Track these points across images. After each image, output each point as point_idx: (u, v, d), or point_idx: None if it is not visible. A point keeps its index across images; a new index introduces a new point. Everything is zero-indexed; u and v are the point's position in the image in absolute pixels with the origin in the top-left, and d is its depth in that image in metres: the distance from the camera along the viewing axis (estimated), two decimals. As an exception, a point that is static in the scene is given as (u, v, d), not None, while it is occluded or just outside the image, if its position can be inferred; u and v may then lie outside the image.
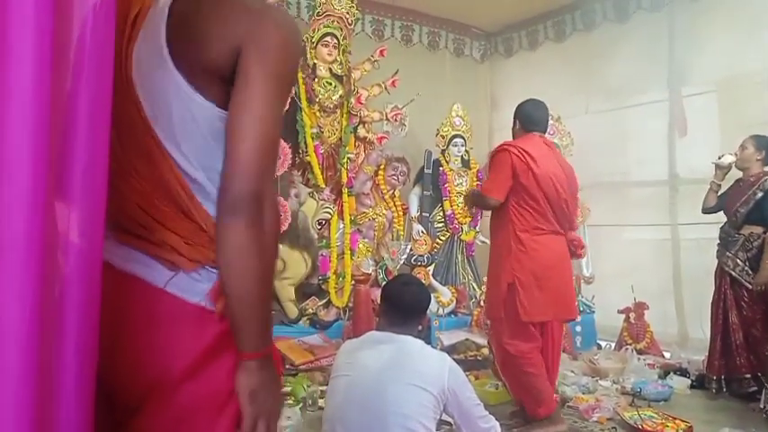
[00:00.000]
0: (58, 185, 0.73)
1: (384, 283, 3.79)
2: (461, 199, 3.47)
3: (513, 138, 3.37)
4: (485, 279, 5.10)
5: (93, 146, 0.78)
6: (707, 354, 4.14)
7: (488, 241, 5.34)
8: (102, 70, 0.80)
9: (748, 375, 3.77)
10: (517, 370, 3.11)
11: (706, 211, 4.11)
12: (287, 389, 3.72)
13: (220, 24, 1.01)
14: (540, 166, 3.13)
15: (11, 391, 0.65)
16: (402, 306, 2.22)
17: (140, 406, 0.99)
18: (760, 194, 3.78)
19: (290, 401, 3.51)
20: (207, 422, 1.00)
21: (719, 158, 4.01)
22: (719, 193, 4.06)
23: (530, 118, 3.31)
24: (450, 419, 2.25)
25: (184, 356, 0.99)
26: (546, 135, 3.44)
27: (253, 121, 0.98)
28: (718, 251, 3.98)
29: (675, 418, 3.29)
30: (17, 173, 0.65)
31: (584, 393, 3.78)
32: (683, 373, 4.22)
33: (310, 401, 3.48)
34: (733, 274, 3.85)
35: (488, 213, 3.62)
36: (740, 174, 3.96)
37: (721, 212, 4.05)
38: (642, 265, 5.25)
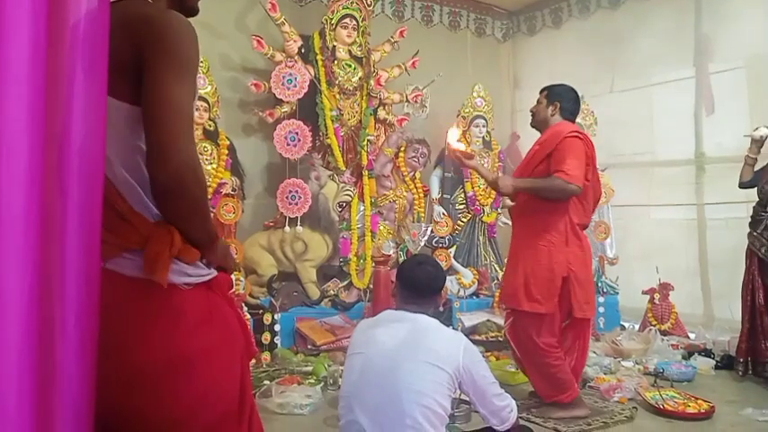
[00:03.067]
0: (55, 166, 0.75)
1: (401, 263, 3.81)
2: (498, 186, 3.08)
3: (544, 119, 3.21)
4: (506, 260, 5.12)
5: (89, 128, 0.80)
6: (733, 335, 4.10)
7: (510, 222, 5.39)
8: (97, 50, 0.81)
9: (773, 359, 3.71)
10: (543, 362, 3.06)
11: (742, 185, 4.01)
12: (308, 368, 3.78)
13: (123, 28, 1.11)
14: (594, 159, 3.09)
15: (13, 362, 0.68)
16: (417, 286, 2.23)
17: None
18: (789, 171, 3.69)
19: (312, 381, 3.56)
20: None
21: (754, 131, 3.92)
22: (757, 169, 3.96)
23: (574, 105, 3.22)
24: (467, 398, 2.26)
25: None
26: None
27: (162, 105, 1.11)
28: (749, 231, 3.90)
29: (698, 399, 3.26)
30: (14, 153, 0.67)
31: (605, 374, 3.76)
32: (707, 353, 4.17)
33: (331, 380, 3.53)
34: (759, 254, 3.78)
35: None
36: None
37: (753, 191, 3.95)
38: (668, 245, 5.18)
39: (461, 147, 3.48)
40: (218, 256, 1.33)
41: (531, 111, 3.32)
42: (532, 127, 3.32)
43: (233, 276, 3.96)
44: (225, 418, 1.26)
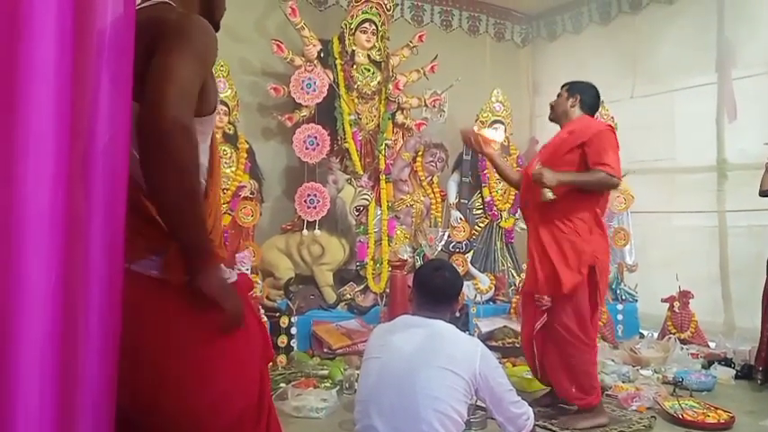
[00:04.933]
0: (80, 165, 0.76)
1: (418, 268, 3.81)
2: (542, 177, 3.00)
3: (564, 112, 3.21)
4: (524, 266, 5.09)
5: (114, 131, 0.82)
6: (753, 344, 4.04)
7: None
8: (124, 52, 0.83)
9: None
10: (582, 358, 3.01)
11: (763, 194, 3.95)
12: (324, 372, 3.79)
13: (143, 31, 1.12)
14: None
15: (36, 356, 0.69)
16: (433, 291, 2.23)
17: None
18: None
19: (328, 384, 3.56)
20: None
21: None
22: None
23: (595, 100, 3.24)
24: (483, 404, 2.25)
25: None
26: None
27: (160, 70, 1.12)
28: (771, 239, 3.85)
29: (717, 408, 3.21)
30: (40, 155, 0.69)
31: (623, 382, 3.72)
32: (727, 363, 4.10)
33: (347, 384, 3.53)
34: (781, 263, 3.72)
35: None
36: None
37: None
38: (689, 252, 5.12)
39: (490, 135, 3.47)
40: (211, 285, 1.23)
41: (551, 104, 3.32)
42: (551, 120, 3.33)
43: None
44: (244, 418, 1.27)
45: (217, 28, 1.43)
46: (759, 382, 3.75)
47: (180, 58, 1.16)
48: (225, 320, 1.25)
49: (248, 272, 4.08)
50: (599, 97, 3.27)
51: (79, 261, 0.77)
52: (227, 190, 4.31)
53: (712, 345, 4.65)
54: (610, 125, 3.09)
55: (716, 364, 4.08)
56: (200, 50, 1.21)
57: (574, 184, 3.01)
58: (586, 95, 3.20)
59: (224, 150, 4.32)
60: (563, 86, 3.30)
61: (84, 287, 0.78)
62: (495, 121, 5.33)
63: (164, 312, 1.20)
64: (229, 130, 4.39)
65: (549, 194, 2.94)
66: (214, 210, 1.33)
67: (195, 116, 1.23)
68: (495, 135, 3.42)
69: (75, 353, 0.77)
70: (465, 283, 4.80)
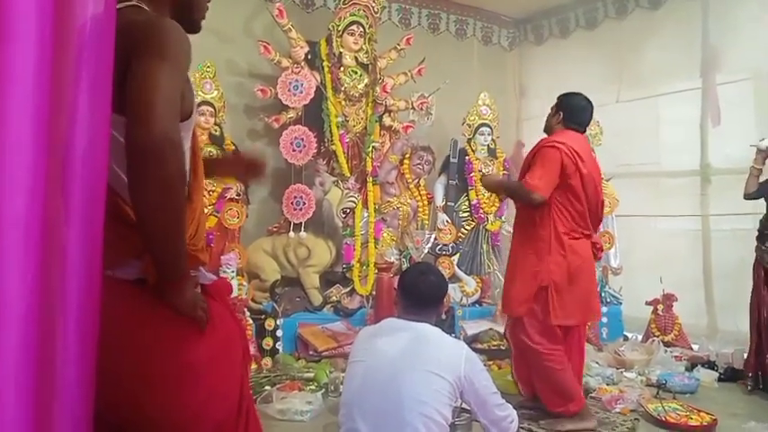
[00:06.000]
0: (58, 171, 0.75)
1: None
2: (483, 183, 3.34)
3: (550, 127, 3.26)
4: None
5: (93, 134, 0.81)
6: (737, 347, 4.07)
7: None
8: (103, 55, 0.82)
9: (778, 373, 3.69)
10: (544, 366, 3.06)
11: (747, 196, 3.99)
12: (310, 374, 3.78)
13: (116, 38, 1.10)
14: (586, 168, 3.09)
15: (12, 362, 0.68)
16: (418, 295, 2.23)
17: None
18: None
19: (313, 387, 3.55)
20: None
21: (760, 141, 3.92)
22: (762, 180, 3.94)
23: (579, 115, 3.22)
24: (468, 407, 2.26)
25: None
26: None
27: (141, 80, 1.09)
28: (756, 245, 3.88)
29: (700, 411, 3.24)
30: (17, 158, 0.68)
31: (607, 384, 3.75)
32: (710, 366, 4.14)
33: (332, 387, 3.52)
34: (768, 267, 3.76)
35: (512, 204, 3.57)
36: None
37: (759, 203, 3.94)
38: (673, 256, 5.16)
39: None
40: (185, 302, 1.22)
41: (546, 118, 3.36)
42: (545, 132, 3.33)
43: (234, 282, 3.97)
44: (225, 422, 1.26)
45: (197, 28, 1.41)
46: (749, 387, 3.78)
47: (160, 68, 1.13)
48: (199, 322, 1.24)
49: (234, 274, 4.06)
50: (588, 110, 3.25)
51: (56, 268, 0.76)
52: (213, 192, 4.29)
53: (695, 347, 4.68)
54: (555, 142, 3.09)
55: (699, 366, 4.12)
56: (177, 57, 1.18)
57: (502, 192, 3.38)
58: (570, 109, 3.21)
59: (210, 152, 4.30)
60: (558, 98, 3.31)
61: (61, 294, 0.77)
62: (482, 125, 5.35)
63: (145, 318, 1.19)
64: (215, 131, 4.37)
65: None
66: (197, 214, 1.31)
67: None
68: None
69: (53, 359, 0.76)
70: (451, 285, 4.81)
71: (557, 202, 3.07)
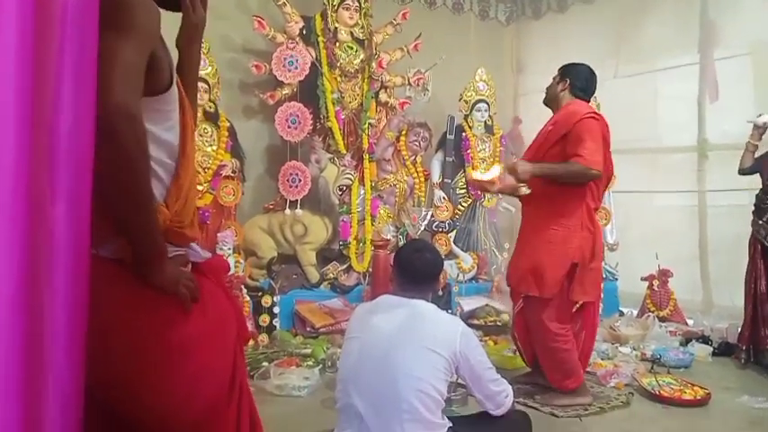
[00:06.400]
0: (43, 151, 0.74)
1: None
2: (518, 172, 2.96)
3: (555, 96, 3.16)
4: (506, 245, 5.12)
5: (78, 112, 0.79)
6: (731, 321, 4.10)
7: (511, 208, 5.38)
8: (87, 30, 0.80)
9: (772, 346, 3.72)
10: (554, 347, 3.04)
11: (742, 172, 3.99)
12: (307, 350, 3.80)
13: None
14: (609, 140, 3.05)
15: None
16: (414, 272, 2.22)
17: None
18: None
19: (310, 363, 3.57)
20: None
21: (757, 117, 3.90)
22: (758, 155, 3.94)
23: (586, 83, 3.14)
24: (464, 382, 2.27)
25: None
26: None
27: (100, 58, 1.02)
28: (752, 219, 3.89)
29: (694, 385, 3.28)
30: (1, 138, 0.66)
31: (602, 359, 3.78)
32: (705, 340, 4.18)
33: (329, 363, 3.54)
34: (765, 242, 3.77)
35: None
36: None
37: (755, 179, 3.94)
38: (670, 231, 5.18)
39: (482, 176, 3.42)
40: (166, 279, 1.20)
41: (546, 88, 3.27)
42: (545, 104, 3.28)
43: (231, 260, 3.97)
44: (216, 403, 1.26)
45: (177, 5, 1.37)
46: (742, 360, 3.81)
47: (119, 39, 1.10)
48: (183, 298, 1.23)
49: (231, 251, 4.06)
50: (593, 80, 3.19)
51: (44, 247, 0.75)
52: (209, 169, 4.27)
53: (690, 322, 4.72)
54: (593, 113, 2.99)
55: (693, 341, 4.15)
56: (138, 29, 1.14)
57: (549, 177, 2.98)
58: (577, 79, 3.12)
59: (205, 129, 4.27)
60: (559, 69, 3.22)
61: (48, 275, 0.76)
62: (479, 101, 5.32)
63: (133, 297, 1.18)
64: (210, 108, 4.33)
65: (524, 189, 2.96)
66: (185, 190, 1.28)
67: (150, 95, 1.18)
68: (489, 174, 3.37)
69: (41, 337, 0.75)
70: (448, 262, 4.83)
71: None
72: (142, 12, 1.16)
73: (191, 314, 1.23)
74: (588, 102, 3.18)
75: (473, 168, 5.10)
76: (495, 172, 3.23)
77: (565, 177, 2.95)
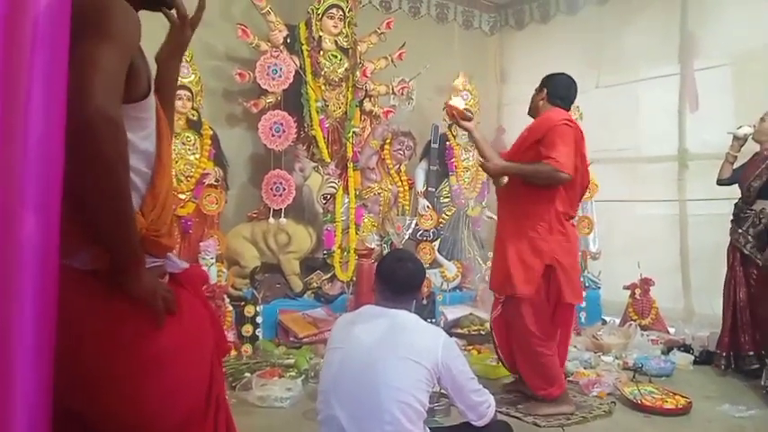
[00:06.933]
0: (14, 161, 0.73)
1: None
2: (489, 169, 3.09)
3: (535, 106, 3.22)
4: (490, 254, 5.13)
5: (49, 120, 0.78)
6: (712, 330, 4.14)
7: (495, 216, 5.39)
8: (58, 38, 0.79)
9: (752, 353, 3.75)
10: (536, 351, 3.06)
11: (721, 182, 4.05)
12: (290, 361, 3.77)
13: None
14: (582, 149, 3.08)
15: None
16: (396, 282, 2.21)
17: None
18: (774, 169, 3.71)
19: (293, 373, 3.55)
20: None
21: (737, 129, 3.95)
22: (736, 166, 3.99)
23: (563, 91, 3.18)
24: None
25: None
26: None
27: (79, 60, 1.04)
28: (731, 227, 3.93)
29: (675, 394, 3.29)
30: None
31: (585, 368, 3.79)
32: (686, 349, 4.21)
33: (312, 373, 3.52)
34: (744, 251, 3.81)
35: (492, 189, 3.54)
36: (758, 148, 3.89)
37: (734, 188, 3.99)
38: (651, 240, 5.22)
39: (460, 104, 3.44)
40: (143, 289, 1.18)
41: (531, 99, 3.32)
42: (529, 115, 3.31)
43: (213, 269, 3.94)
44: (191, 416, 1.24)
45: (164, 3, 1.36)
46: (722, 367, 3.84)
47: (100, 45, 1.08)
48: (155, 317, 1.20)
49: (213, 260, 4.03)
50: (572, 88, 3.23)
51: (11, 261, 0.74)
52: (191, 177, 4.24)
53: (672, 331, 4.75)
54: (567, 119, 3.03)
55: (675, 350, 4.18)
56: (118, 35, 1.13)
57: (519, 175, 3.04)
58: (555, 88, 3.17)
59: (187, 137, 4.24)
60: (542, 79, 3.27)
61: (17, 286, 0.75)
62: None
63: (107, 308, 1.16)
64: (193, 116, 4.31)
65: (504, 179, 3.03)
66: (161, 199, 1.27)
67: (128, 102, 1.17)
68: (459, 101, 3.45)
69: (8, 347, 0.74)
70: (432, 270, 4.83)
71: None
72: (124, 20, 1.16)
73: (167, 325, 1.21)
74: (568, 110, 3.22)
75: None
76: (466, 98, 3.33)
77: (533, 177, 3.01)
